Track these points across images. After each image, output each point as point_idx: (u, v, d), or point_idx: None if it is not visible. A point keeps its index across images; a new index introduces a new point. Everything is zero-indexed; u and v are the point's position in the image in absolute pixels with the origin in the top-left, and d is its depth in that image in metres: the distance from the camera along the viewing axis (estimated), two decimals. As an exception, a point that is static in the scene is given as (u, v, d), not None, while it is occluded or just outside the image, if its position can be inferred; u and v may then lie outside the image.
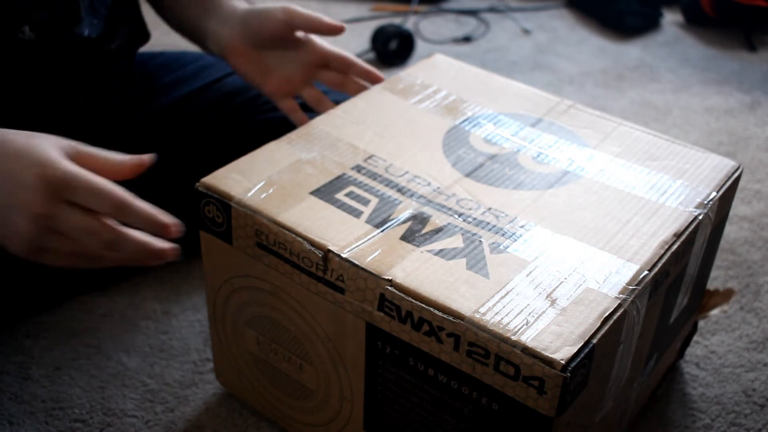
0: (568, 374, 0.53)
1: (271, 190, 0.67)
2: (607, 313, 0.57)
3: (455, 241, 0.62)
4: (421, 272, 0.59)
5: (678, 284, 0.71)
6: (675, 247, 0.65)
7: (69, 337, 0.91)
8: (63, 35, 0.85)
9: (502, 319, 0.56)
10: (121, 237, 0.60)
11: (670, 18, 1.81)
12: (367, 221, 0.64)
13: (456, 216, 0.65)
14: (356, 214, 0.65)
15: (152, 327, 0.93)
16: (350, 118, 0.78)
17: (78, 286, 0.96)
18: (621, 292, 0.59)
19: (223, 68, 1.06)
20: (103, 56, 0.92)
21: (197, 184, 0.68)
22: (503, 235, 0.64)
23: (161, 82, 1.04)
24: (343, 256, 0.60)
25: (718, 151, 1.31)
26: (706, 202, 0.69)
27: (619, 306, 0.58)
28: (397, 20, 1.75)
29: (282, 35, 0.88)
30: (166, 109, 1.01)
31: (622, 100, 1.48)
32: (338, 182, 0.68)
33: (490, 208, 0.66)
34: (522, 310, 0.57)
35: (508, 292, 0.58)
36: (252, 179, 0.68)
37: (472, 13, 1.83)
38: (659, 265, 0.63)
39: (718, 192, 0.71)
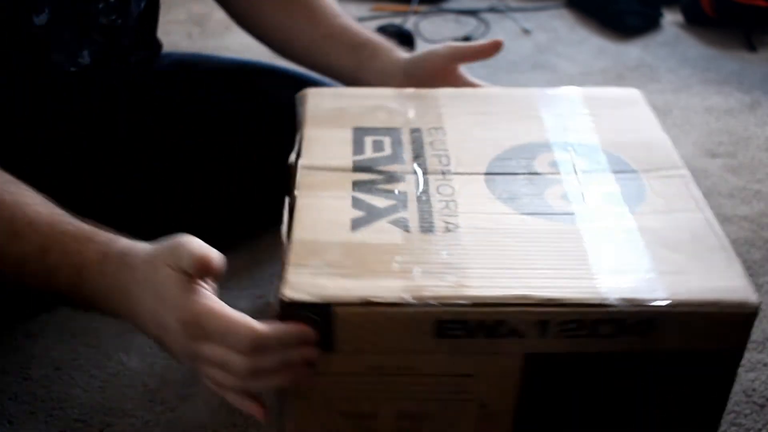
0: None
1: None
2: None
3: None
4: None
5: None
6: None
7: (69, 337, 0.91)
8: (117, 59, 0.86)
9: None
10: (270, 366, 0.60)
11: (670, 18, 1.81)
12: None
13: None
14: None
15: (152, 327, 0.93)
16: None
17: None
18: None
19: (224, 71, 1.06)
20: (129, 73, 0.93)
21: None
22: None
23: (164, 82, 1.04)
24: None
25: (718, 151, 1.31)
26: None
27: None
28: (397, 20, 1.75)
29: (444, 73, 0.89)
30: (172, 108, 1.01)
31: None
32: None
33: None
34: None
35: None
36: None
37: (472, 13, 1.83)
38: None
39: None
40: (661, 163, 0.74)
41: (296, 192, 0.70)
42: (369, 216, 0.67)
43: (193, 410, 0.83)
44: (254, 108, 1.02)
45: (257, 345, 0.58)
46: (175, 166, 0.99)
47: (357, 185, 0.71)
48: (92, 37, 0.85)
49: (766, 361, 0.90)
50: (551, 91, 0.85)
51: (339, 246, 0.64)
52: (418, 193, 0.70)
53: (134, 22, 0.91)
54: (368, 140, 0.77)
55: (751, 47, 1.68)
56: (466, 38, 1.71)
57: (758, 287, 1.01)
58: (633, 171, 0.73)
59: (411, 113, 0.81)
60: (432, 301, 0.58)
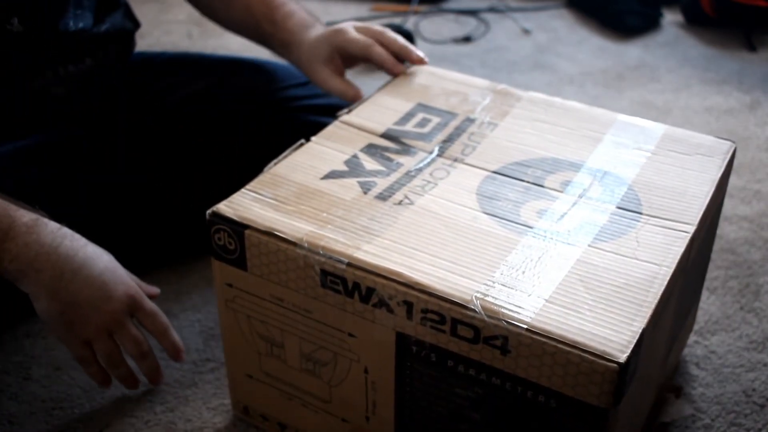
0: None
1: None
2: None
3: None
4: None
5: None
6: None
7: (69, 337, 0.91)
8: (50, 26, 0.86)
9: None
10: (150, 354, 0.79)
11: (670, 18, 1.81)
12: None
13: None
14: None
15: (152, 327, 0.93)
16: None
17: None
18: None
19: (226, 68, 1.06)
20: (89, 44, 0.92)
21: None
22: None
23: (165, 81, 1.04)
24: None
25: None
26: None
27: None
28: (397, 20, 1.75)
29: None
30: (171, 107, 1.01)
31: (622, 100, 1.48)
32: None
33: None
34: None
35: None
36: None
37: (472, 13, 1.83)
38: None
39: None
40: (673, 214, 0.68)
41: (313, 138, 0.76)
42: (347, 172, 0.72)
43: (193, 410, 0.83)
44: (253, 107, 1.02)
45: (164, 333, 0.79)
46: (174, 165, 0.99)
47: (369, 147, 0.75)
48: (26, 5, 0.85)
49: (766, 361, 0.90)
50: (634, 120, 0.81)
51: (297, 186, 0.70)
52: (411, 169, 0.72)
53: None
54: (419, 116, 0.80)
55: (751, 47, 1.68)
56: (467, 38, 1.71)
57: (758, 287, 1.01)
58: (637, 212, 0.68)
59: (482, 105, 0.82)
60: (320, 251, 0.63)
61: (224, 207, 0.67)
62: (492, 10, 1.84)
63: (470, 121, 0.80)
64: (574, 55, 1.66)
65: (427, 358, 0.62)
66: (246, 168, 0.99)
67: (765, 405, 0.85)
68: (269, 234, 0.65)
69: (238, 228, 0.66)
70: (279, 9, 0.95)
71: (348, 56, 0.91)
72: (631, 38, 1.73)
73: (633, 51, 1.68)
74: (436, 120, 0.79)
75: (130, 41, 1.02)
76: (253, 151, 0.99)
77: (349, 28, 0.90)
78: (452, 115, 0.80)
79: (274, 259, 0.65)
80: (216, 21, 1.05)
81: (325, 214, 0.66)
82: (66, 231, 0.75)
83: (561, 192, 0.70)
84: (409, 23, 1.75)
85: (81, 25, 0.89)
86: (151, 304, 0.78)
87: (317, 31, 0.93)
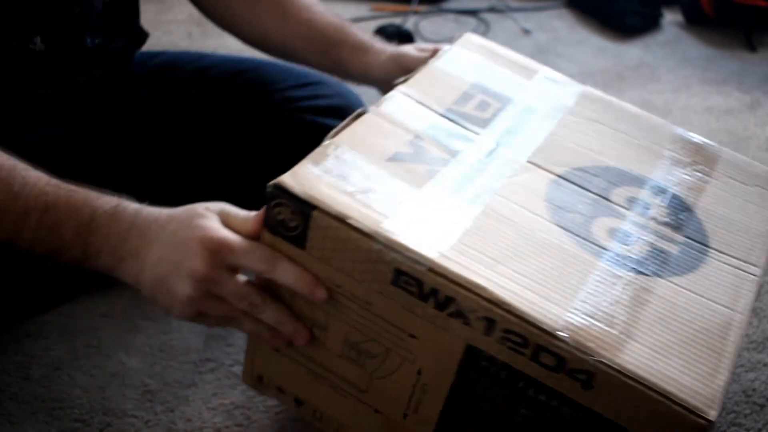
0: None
1: None
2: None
3: None
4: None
5: None
6: None
7: (69, 337, 0.91)
8: (70, 44, 0.86)
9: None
10: (265, 303, 0.65)
11: (670, 18, 1.81)
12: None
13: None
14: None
15: (152, 327, 0.93)
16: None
17: (78, 286, 0.96)
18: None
19: (226, 69, 1.06)
20: (103, 59, 0.92)
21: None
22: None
23: (164, 81, 1.04)
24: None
25: (718, 151, 1.31)
26: None
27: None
28: (397, 20, 1.75)
29: None
30: (172, 110, 1.01)
31: (622, 100, 1.48)
32: None
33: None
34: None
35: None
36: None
37: (472, 13, 1.83)
38: None
39: None
40: (740, 252, 0.67)
41: (373, 106, 0.71)
42: (413, 156, 0.67)
43: (193, 410, 0.83)
44: (254, 108, 1.02)
45: (274, 263, 0.64)
46: (174, 166, 0.99)
47: (431, 128, 0.71)
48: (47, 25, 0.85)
49: (766, 361, 0.90)
50: (691, 136, 0.79)
51: (363, 166, 0.65)
52: (476, 161, 0.69)
53: (100, 9, 0.91)
54: (478, 98, 0.76)
55: (751, 47, 1.68)
56: (466, 38, 1.71)
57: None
58: (705, 245, 0.67)
59: (539, 94, 0.79)
60: (399, 249, 0.58)
61: (290, 181, 0.61)
62: (492, 10, 1.84)
63: (530, 111, 0.76)
64: (574, 55, 1.66)
65: (496, 375, 0.60)
66: (246, 168, 1.00)
67: (765, 405, 0.85)
68: (341, 220, 0.59)
69: (306, 208, 0.60)
70: (346, 30, 0.94)
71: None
72: (631, 38, 1.73)
73: (633, 51, 1.68)
74: (495, 105, 0.76)
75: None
76: (254, 152, 1.00)
77: (411, 50, 0.90)
78: (510, 100, 0.77)
79: (341, 246, 0.61)
80: (259, 41, 1.01)
81: (395, 205, 0.62)
82: (144, 210, 0.68)
83: (628, 210, 0.68)
84: (409, 23, 1.75)
85: (97, 41, 0.90)
86: (240, 242, 0.64)
87: (384, 51, 0.93)
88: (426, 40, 1.69)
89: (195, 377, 0.87)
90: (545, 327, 0.56)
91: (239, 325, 0.67)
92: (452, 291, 0.58)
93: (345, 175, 0.63)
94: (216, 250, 0.63)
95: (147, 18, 0.99)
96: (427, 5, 1.84)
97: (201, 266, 0.63)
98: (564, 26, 1.79)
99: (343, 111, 1.03)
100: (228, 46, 1.62)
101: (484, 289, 0.57)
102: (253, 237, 0.64)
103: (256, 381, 0.75)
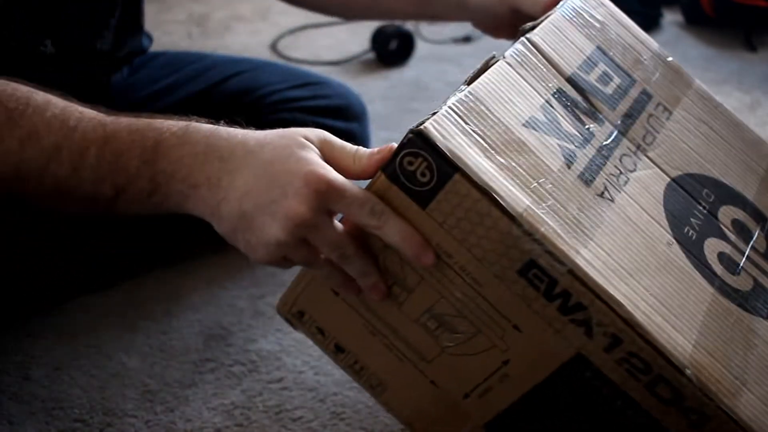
0: None
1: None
2: None
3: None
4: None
5: None
6: None
7: (69, 337, 0.91)
8: (81, 48, 0.86)
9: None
10: (356, 254, 0.58)
11: (670, 18, 1.81)
12: None
13: None
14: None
15: (152, 327, 0.93)
16: None
17: (78, 286, 0.96)
18: None
19: (226, 69, 1.06)
20: (110, 64, 0.93)
21: None
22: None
23: (164, 82, 1.04)
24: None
25: (718, 151, 1.31)
26: None
27: None
28: (397, 20, 1.75)
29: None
30: (172, 109, 1.01)
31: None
32: None
33: None
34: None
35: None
36: None
37: (472, 13, 1.83)
38: None
39: None
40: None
41: (503, 55, 0.64)
42: (547, 127, 0.61)
43: (193, 410, 0.83)
44: (253, 108, 1.02)
45: (382, 214, 0.55)
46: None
47: (559, 93, 0.64)
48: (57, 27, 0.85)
49: (766, 361, 0.90)
50: None
51: (503, 128, 0.58)
52: (602, 144, 0.63)
53: (110, 12, 0.91)
54: (600, 67, 0.69)
55: (751, 47, 1.68)
56: (467, 38, 1.71)
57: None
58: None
59: (655, 77, 0.74)
60: (541, 240, 0.53)
61: (435, 132, 0.54)
62: (492, 10, 1.84)
63: (647, 96, 0.71)
64: (574, 55, 1.66)
65: (598, 389, 0.57)
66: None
67: (765, 405, 0.85)
68: (485, 192, 0.53)
69: (448, 167, 0.54)
70: None
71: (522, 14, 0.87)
72: (631, 38, 1.73)
73: (633, 51, 1.68)
74: (616, 80, 0.70)
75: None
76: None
77: None
78: (630, 78, 0.71)
79: (474, 218, 0.54)
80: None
81: (535, 184, 0.56)
82: (221, 129, 0.59)
83: (734, 234, 0.64)
84: (409, 23, 1.75)
85: (106, 47, 0.90)
86: (352, 188, 0.55)
87: None
88: (426, 40, 1.69)
89: (195, 377, 0.87)
90: (674, 361, 0.53)
91: (316, 268, 0.60)
92: (587, 299, 0.54)
93: (485, 136, 0.56)
94: (324, 191, 0.54)
95: (147, 18, 0.99)
96: (427, 5, 1.84)
97: (303, 209, 0.54)
98: (564, 26, 1.79)
99: (344, 111, 1.03)
100: (228, 46, 1.62)
101: (620, 305, 0.53)
102: (360, 177, 0.57)
103: (295, 316, 0.68)
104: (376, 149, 0.57)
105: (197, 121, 0.60)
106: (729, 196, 0.67)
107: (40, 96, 0.61)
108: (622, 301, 0.53)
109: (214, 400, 0.84)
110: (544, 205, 0.55)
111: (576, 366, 0.57)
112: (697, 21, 1.77)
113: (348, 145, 0.58)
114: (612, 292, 0.53)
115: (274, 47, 1.62)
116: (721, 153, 0.71)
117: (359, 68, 1.56)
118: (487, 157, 0.55)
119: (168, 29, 1.68)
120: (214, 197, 0.57)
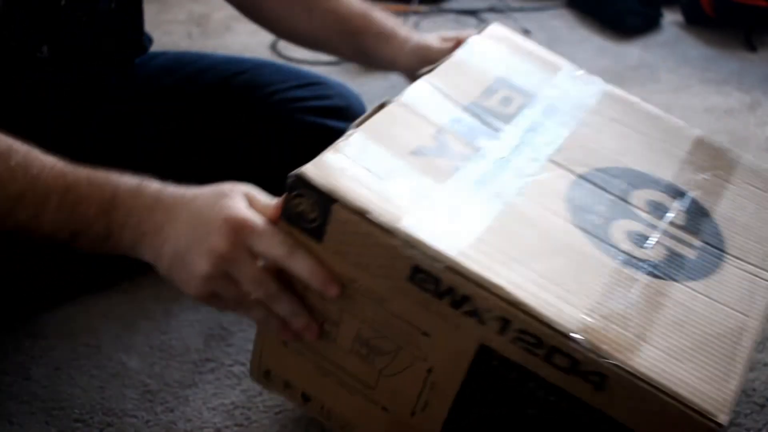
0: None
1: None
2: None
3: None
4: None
5: None
6: None
7: (69, 337, 0.91)
8: (77, 53, 0.86)
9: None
10: (280, 292, 0.64)
11: (670, 18, 1.81)
12: None
13: None
14: None
15: (152, 327, 0.93)
16: None
17: (78, 286, 0.96)
18: None
19: (227, 69, 1.06)
20: (109, 67, 0.93)
21: None
22: None
23: (165, 82, 1.04)
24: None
25: (718, 151, 1.31)
26: None
27: None
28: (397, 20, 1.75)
29: None
30: (173, 110, 1.01)
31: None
32: None
33: None
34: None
35: None
36: None
37: (472, 13, 1.83)
38: None
39: None
40: (756, 259, 0.67)
41: (397, 97, 0.70)
42: (436, 151, 0.66)
43: (193, 410, 0.83)
44: (254, 108, 1.02)
45: (292, 254, 0.62)
46: (173, 166, 0.99)
47: (454, 121, 0.70)
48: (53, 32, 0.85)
49: (766, 361, 0.90)
50: (711, 140, 0.79)
51: (386, 159, 0.64)
52: (498, 158, 0.68)
53: (105, 19, 0.91)
54: (502, 92, 0.75)
55: (751, 47, 1.68)
56: (466, 38, 1.71)
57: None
58: (721, 250, 0.67)
59: (563, 89, 0.79)
60: (418, 246, 0.58)
61: (312, 172, 0.60)
62: (492, 10, 1.84)
63: (552, 109, 0.76)
64: (574, 55, 1.66)
65: (506, 375, 0.60)
66: (247, 169, 1.00)
67: (765, 405, 0.85)
68: (360, 214, 0.59)
69: (326, 200, 0.59)
70: (370, 17, 0.94)
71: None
72: (631, 38, 1.73)
73: (633, 51, 1.68)
74: (518, 100, 0.75)
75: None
76: (254, 152, 1.00)
77: (434, 41, 0.91)
78: (533, 96, 0.76)
79: (359, 240, 0.60)
80: (290, 33, 1.03)
81: (417, 199, 0.61)
82: (168, 187, 0.67)
83: (647, 213, 0.68)
84: (410, 23, 1.75)
85: (104, 48, 0.90)
86: (263, 225, 0.63)
87: (407, 41, 0.93)
88: (426, 40, 1.69)
89: (195, 377, 0.87)
90: (560, 328, 0.56)
91: (250, 312, 0.66)
92: (469, 290, 0.57)
93: (367, 167, 0.62)
94: (239, 228, 0.62)
95: (147, 18, 0.99)
96: (427, 5, 1.84)
97: (223, 243, 0.62)
98: (564, 26, 1.79)
99: (344, 111, 1.03)
100: (228, 46, 1.62)
101: (500, 288, 0.57)
102: (273, 223, 0.64)
103: (264, 376, 0.75)
104: (280, 198, 0.63)
105: (147, 179, 0.68)
106: (643, 181, 0.71)
107: (2, 143, 0.66)
108: (501, 284, 0.57)
109: (214, 400, 0.84)
110: (420, 215, 0.60)
111: (483, 358, 0.60)
112: (697, 21, 1.77)
113: (266, 197, 0.65)
114: (491, 278, 0.57)
115: (274, 47, 1.62)
116: (636, 144, 0.75)
117: (359, 68, 1.56)
118: (365, 185, 0.61)
119: (168, 29, 1.68)
120: (156, 242, 0.65)
